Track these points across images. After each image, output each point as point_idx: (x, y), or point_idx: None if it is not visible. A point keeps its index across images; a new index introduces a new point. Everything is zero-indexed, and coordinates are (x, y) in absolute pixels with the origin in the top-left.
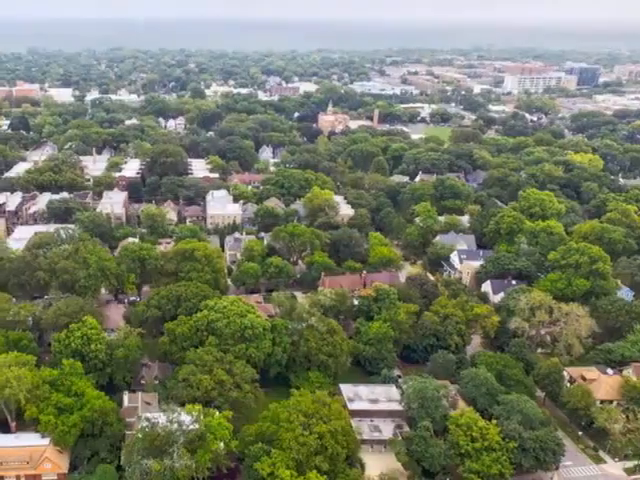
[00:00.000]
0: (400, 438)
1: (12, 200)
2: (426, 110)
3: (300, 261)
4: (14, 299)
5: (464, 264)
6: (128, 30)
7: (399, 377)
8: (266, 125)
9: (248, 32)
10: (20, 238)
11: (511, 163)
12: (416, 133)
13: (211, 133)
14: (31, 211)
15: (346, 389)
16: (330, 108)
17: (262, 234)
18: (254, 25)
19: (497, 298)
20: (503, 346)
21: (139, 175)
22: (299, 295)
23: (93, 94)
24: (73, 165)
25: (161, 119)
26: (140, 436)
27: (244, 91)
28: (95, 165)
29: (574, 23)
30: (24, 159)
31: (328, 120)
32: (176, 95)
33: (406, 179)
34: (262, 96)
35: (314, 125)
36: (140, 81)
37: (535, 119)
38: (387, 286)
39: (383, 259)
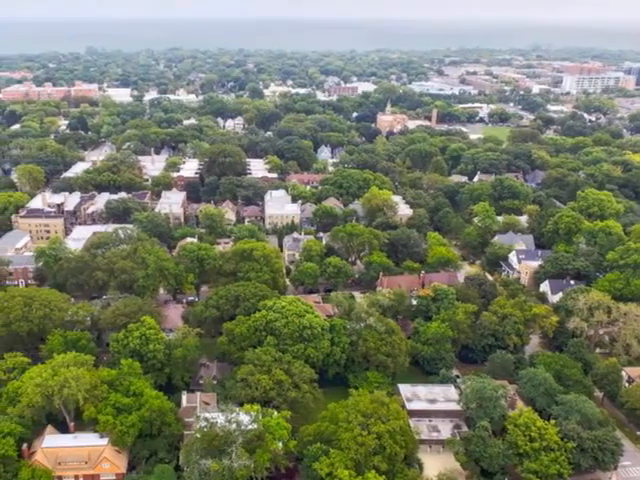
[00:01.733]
0: (458, 438)
1: (71, 200)
2: (484, 110)
3: (358, 261)
4: (72, 299)
5: (522, 264)
6: (187, 30)
7: (457, 377)
8: (324, 125)
9: (307, 32)
10: (78, 238)
11: (570, 163)
12: (474, 133)
13: (269, 133)
14: (89, 211)
15: (404, 389)
16: (388, 108)
17: (320, 234)
18: (313, 25)
19: (555, 298)
20: (561, 346)
21: (197, 175)
22: (357, 295)
23: (151, 94)
24: (131, 165)
25: (219, 119)
26: (199, 436)
27: (302, 91)
28: (153, 165)
29: (633, 23)
30: (82, 159)
31: (387, 120)
32: (234, 95)
33: (464, 179)
34: (321, 96)
35: (372, 125)
36: (199, 81)
37: (594, 119)
38: (445, 286)
39: (441, 259)
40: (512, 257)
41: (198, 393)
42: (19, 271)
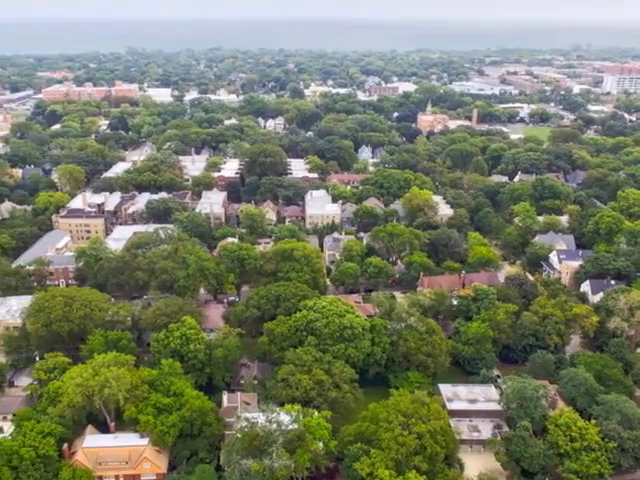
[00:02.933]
0: (499, 438)
1: (111, 200)
2: (525, 110)
3: (399, 261)
4: (113, 299)
5: (563, 264)
6: (228, 30)
7: (498, 377)
8: (365, 125)
9: (347, 32)
10: (119, 238)
11: (610, 163)
12: (515, 133)
13: (310, 133)
14: (130, 211)
15: (445, 389)
16: (429, 108)
17: (361, 234)
18: (353, 25)
19: (596, 298)
20: (602, 346)
21: (238, 175)
22: (398, 295)
23: (192, 94)
24: (172, 165)
25: (260, 119)
26: (239, 436)
27: (343, 91)
28: (194, 165)
29: None
30: (123, 159)
31: (427, 120)
32: (275, 95)
33: (505, 179)
34: (361, 96)
35: (413, 125)
36: (239, 81)
37: (634, 119)
38: (486, 286)
39: (482, 259)
40: (553, 257)
41: (239, 393)
42: (60, 271)
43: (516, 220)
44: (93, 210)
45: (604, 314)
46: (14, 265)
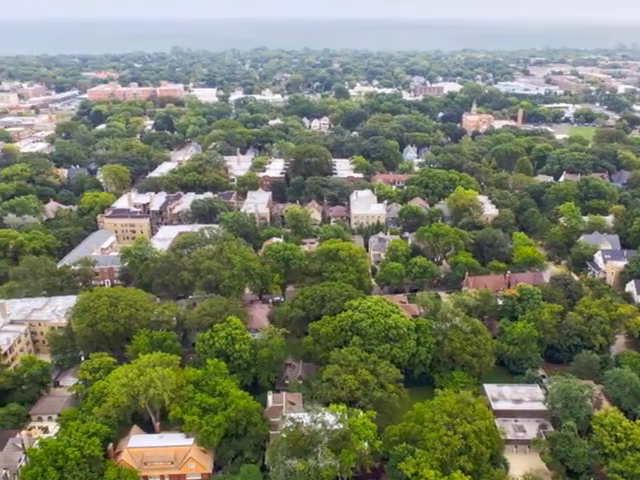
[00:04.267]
0: (544, 438)
1: (156, 200)
2: (570, 110)
3: (444, 261)
4: (158, 299)
5: (608, 264)
6: (273, 30)
7: (543, 377)
8: (410, 125)
9: (393, 32)
10: (164, 238)
11: None
12: (560, 133)
13: (355, 133)
14: (175, 211)
15: (490, 389)
16: (474, 108)
17: (406, 234)
18: (399, 25)
19: None
20: None
21: (283, 175)
22: (443, 295)
23: (237, 94)
24: (217, 165)
25: (305, 119)
26: (284, 436)
27: (388, 91)
28: (239, 165)
29: None
30: (168, 159)
31: (472, 120)
32: (320, 95)
33: (550, 179)
34: (406, 96)
35: (458, 125)
36: (284, 81)
37: None
38: (531, 286)
39: (527, 259)
40: (598, 257)
41: (284, 393)
42: (105, 271)
43: (561, 220)
44: (138, 210)
45: None
46: (59, 265)
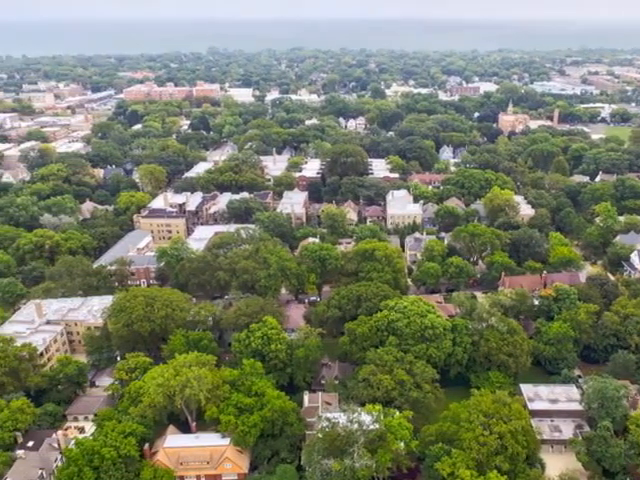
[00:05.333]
0: (580, 438)
1: (192, 200)
2: (606, 110)
3: (480, 261)
4: (194, 299)
5: None
6: (308, 30)
7: (579, 377)
8: (446, 125)
9: (429, 32)
10: (200, 238)
11: None
12: (596, 133)
13: (391, 133)
14: (211, 211)
15: (526, 389)
16: (510, 108)
17: (442, 234)
18: (434, 25)
19: None
20: None
21: (319, 175)
22: (479, 295)
23: (273, 94)
24: (253, 165)
25: (341, 119)
26: (320, 436)
27: (424, 91)
28: (275, 165)
29: None
30: (204, 159)
31: (508, 120)
32: (356, 95)
33: (586, 179)
34: (442, 96)
35: (494, 125)
36: (320, 81)
37: None
38: (567, 286)
39: (563, 259)
40: (634, 257)
41: (320, 393)
42: (141, 271)
43: (597, 220)
44: (174, 210)
45: None
46: (95, 265)
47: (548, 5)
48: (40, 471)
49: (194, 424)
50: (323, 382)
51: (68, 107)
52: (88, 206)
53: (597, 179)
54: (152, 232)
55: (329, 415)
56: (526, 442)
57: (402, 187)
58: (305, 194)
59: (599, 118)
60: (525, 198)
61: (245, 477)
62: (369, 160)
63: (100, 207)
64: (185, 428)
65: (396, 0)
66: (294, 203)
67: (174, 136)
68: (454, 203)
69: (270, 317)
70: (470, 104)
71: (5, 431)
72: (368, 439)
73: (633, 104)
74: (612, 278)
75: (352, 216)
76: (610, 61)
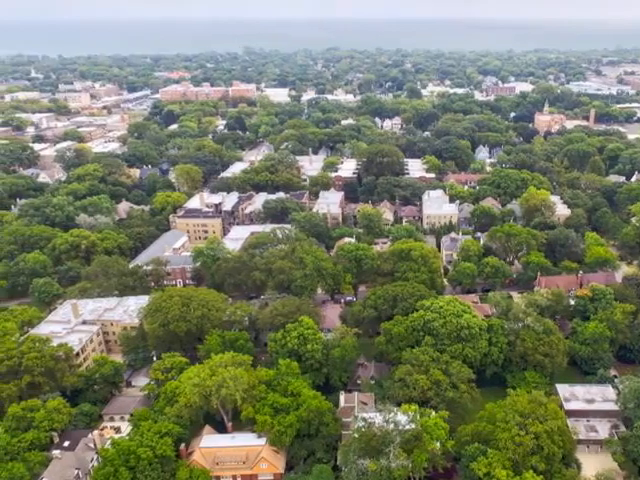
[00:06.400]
0: (616, 438)
1: (228, 200)
2: None
3: (516, 261)
4: (230, 299)
5: None
6: (342, 30)
7: (615, 377)
8: (482, 125)
9: (465, 32)
10: (236, 238)
11: None
12: (632, 133)
13: (427, 133)
14: (247, 211)
15: (562, 389)
16: (546, 108)
17: (478, 234)
18: (471, 25)
19: None
20: None
21: (355, 175)
22: (515, 295)
23: (309, 94)
24: (289, 165)
25: (377, 119)
26: (356, 436)
27: (460, 91)
28: (311, 165)
29: None
30: (240, 159)
31: (544, 120)
32: (392, 95)
33: (622, 179)
34: (478, 96)
35: (530, 125)
36: (356, 81)
37: None
38: (603, 286)
39: (599, 259)
40: None
41: (356, 393)
42: (177, 271)
43: (633, 220)
44: (210, 210)
45: None
46: (132, 265)
47: (583, 5)
48: (76, 471)
49: (230, 424)
50: (359, 382)
51: (104, 107)
52: (124, 206)
53: (633, 179)
54: (188, 232)
55: (365, 415)
56: (562, 442)
57: (438, 187)
58: (341, 194)
59: (635, 118)
60: (561, 198)
61: (281, 477)
62: (405, 160)
63: (136, 207)
64: (221, 428)
65: (432, 1)
66: (330, 203)
67: (210, 136)
68: (490, 203)
69: (306, 317)
70: (506, 104)
71: (41, 431)
72: (404, 439)
73: None
74: None
75: (388, 216)
76: None
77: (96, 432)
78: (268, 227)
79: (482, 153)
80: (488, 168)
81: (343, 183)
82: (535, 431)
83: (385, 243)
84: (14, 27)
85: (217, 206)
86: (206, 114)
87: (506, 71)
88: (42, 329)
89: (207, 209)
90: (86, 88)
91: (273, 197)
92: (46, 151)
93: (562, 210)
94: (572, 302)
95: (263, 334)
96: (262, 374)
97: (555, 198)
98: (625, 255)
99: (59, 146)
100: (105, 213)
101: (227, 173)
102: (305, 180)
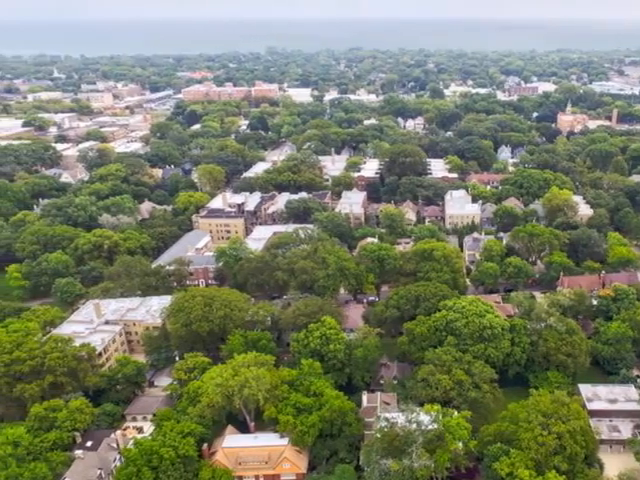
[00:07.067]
0: (639, 438)
1: (251, 200)
2: None
3: (539, 261)
4: (253, 299)
5: None
6: (365, 30)
7: (638, 377)
8: (505, 125)
9: (487, 32)
10: (259, 238)
11: None
12: None
13: (450, 133)
14: (270, 211)
15: (585, 389)
16: (569, 108)
17: (501, 234)
18: (493, 26)
19: None
20: None
21: (378, 175)
22: (538, 295)
23: (332, 94)
24: (312, 165)
25: (400, 119)
26: (379, 436)
27: (483, 91)
28: (334, 165)
29: None
30: (263, 159)
31: (567, 120)
32: (415, 95)
33: None
34: (501, 96)
35: (553, 125)
36: (379, 81)
37: None
38: (626, 286)
39: (622, 259)
40: None
41: (378, 393)
42: (200, 271)
43: None
44: (233, 210)
45: None
46: (154, 265)
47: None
48: (99, 471)
49: (252, 424)
50: (382, 382)
51: (127, 107)
52: (147, 206)
53: None
54: (211, 232)
55: (388, 415)
56: (584, 442)
57: (460, 187)
58: (364, 194)
59: None
60: (584, 198)
61: (304, 477)
62: (427, 160)
63: (159, 207)
64: (243, 428)
65: (454, 1)
66: (353, 203)
67: (233, 136)
68: (513, 203)
69: (329, 317)
70: (528, 104)
71: (64, 431)
72: (427, 439)
73: None
74: None
75: (411, 216)
76: None
77: (119, 432)
78: (291, 227)
79: (504, 153)
80: (511, 168)
81: (366, 183)
82: (558, 431)
83: (408, 243)
84: (33, 27)
85: (240, 206)
86: (229, 114)
87: (529, 71)
88: (64, 329)
89: (230, 209)
90: (109, 88)
91: (295, 197)
92: (68, 151)
93: (585, 210)
94: (595, 302)
95: (286, 334)
96: (285, 374)
97: (578, 198)
98: None
99: (81, 146)
100: (128, 213)
101: (250, 173)
102: (327, 180)
